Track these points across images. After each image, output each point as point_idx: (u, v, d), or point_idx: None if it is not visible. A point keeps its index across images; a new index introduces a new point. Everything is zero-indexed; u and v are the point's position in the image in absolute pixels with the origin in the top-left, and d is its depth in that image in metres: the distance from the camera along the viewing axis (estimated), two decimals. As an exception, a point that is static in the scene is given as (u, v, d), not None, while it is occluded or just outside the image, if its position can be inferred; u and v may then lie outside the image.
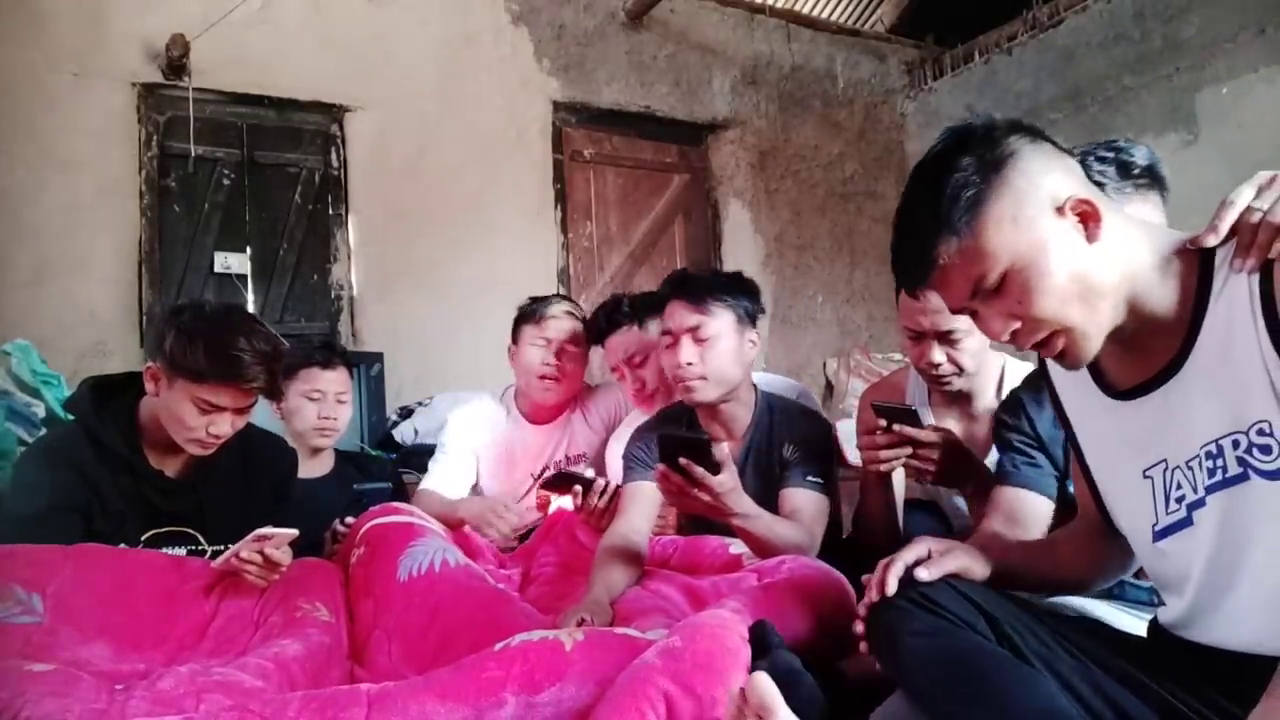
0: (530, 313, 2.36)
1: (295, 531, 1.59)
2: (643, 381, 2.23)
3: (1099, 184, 1.25)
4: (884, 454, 1.64)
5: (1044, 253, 0.95)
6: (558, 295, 2.43)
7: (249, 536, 1.54)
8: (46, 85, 3.38)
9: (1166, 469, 1.01)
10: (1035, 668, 1.01)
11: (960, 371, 1.69)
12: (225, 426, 1.68)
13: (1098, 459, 1.14)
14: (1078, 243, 0.96)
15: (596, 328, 2.32)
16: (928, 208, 0.99)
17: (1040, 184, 0.97)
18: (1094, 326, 0.98)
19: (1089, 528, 1.21)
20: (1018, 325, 0.99)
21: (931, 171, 1.00)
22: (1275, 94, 3.81)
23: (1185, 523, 1.00)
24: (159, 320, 1.86)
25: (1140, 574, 1.35)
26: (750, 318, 1.89)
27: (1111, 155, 1.30)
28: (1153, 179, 1.32)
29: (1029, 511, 1.41)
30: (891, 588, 1.09)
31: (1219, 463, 0.95)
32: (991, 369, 1.78)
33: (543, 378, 2.29)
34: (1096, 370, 1.09)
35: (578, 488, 2.01)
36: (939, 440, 1.63)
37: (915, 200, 1.02)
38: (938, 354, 1.67)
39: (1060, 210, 0.96)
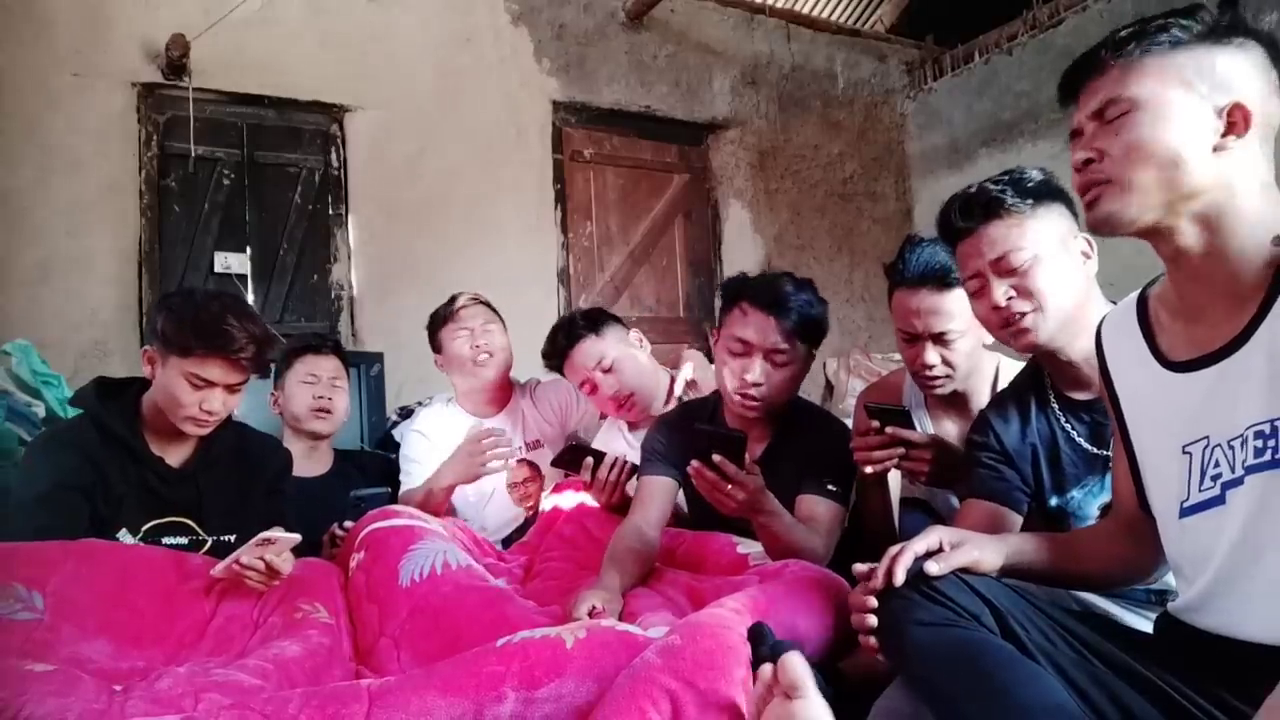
0: (441, 316, 2.48)
1: (297, 537, 1.60)
2: (617, 386, 2.23)
3: (998, 199, 1.37)
4: (877, 454, 1.65)
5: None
6: (457, 294, 2.54)
7: (251, 541, 1.55)
8: (47, 85, 3.38)
9: (1207, 446, 1.01)
10: (1039, 663, 1.01)
11: (953, 373, 1.69)
12: (217, 403, 1.73)
13: (1139, 430, 1.13)
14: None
15: (556, 348, 2.32)
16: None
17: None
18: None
19: (1122, 521, 1.21)
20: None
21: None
22: (1275, 94, 3.82)
23: (1217, 501, 0.99)
24: (152, 309, 1.93)
25: None
26: (819, 342, 1.85)
27: (1006, 177, 1.41)
28: (1051, 193, 1.40)
29: (994, 523, 1.40)
30: (899, 579, 1.09)
31: (1269, 443, 0.94)
32: (986, 370, 1.79)
33: (476, 360, 2.39)
34: (1153, 339, 1.10)
35: (589, 460, 2.02)
36: (930, 441, 1.64)
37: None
38: (932, 355, 1.67)
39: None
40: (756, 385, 1.77)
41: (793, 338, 1.78)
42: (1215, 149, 0.98)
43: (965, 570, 1.10)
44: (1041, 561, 1.20)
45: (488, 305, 2.52)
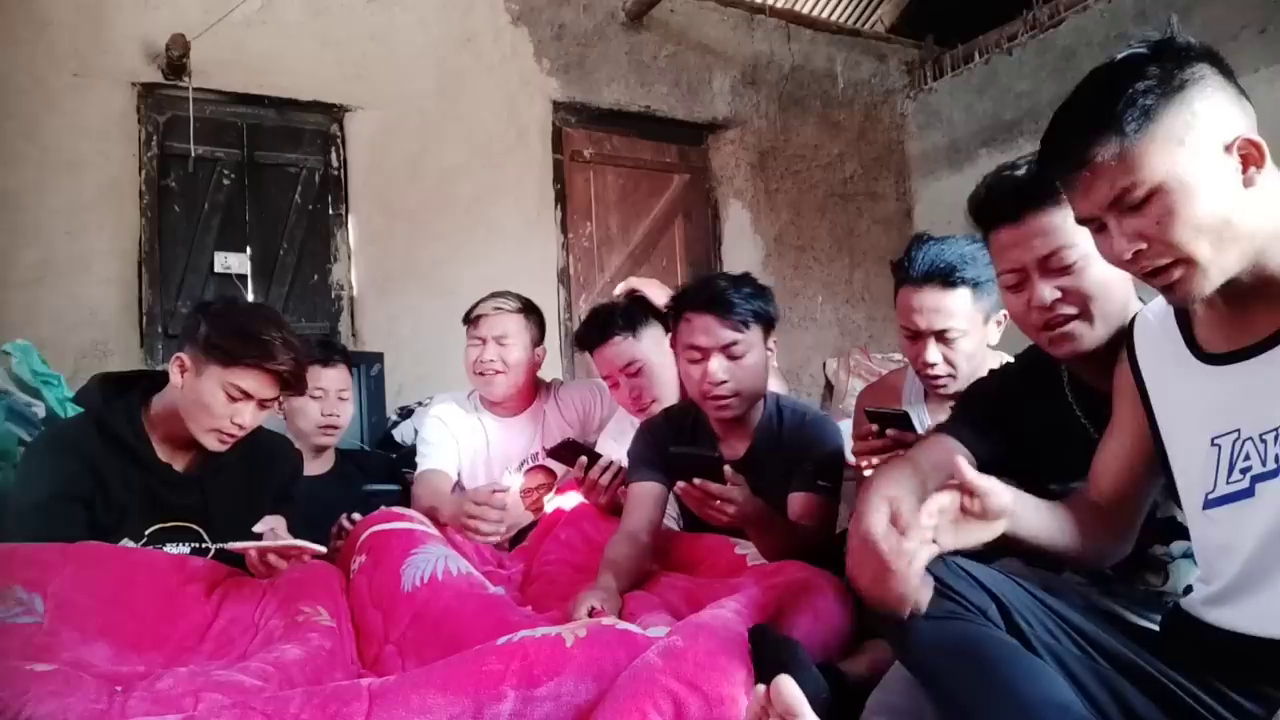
0: (469, 315, 2.42)
1: (324, 549, 1.63)
2: (640, 390, 2.23)
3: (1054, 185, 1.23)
4: (877, 458, 1.65)
5: (1200, 182, 0.95)
6: (494, 294, 2.45)
7: (285, 545, 1.57)
8: (47, 85, 3.38)
9: (1238, 439, 1.00)
10: (1043, 658, 1.01)
11: (955, 372, 1.70)
12: (247, 417, 1.72)
13: (1168, 421, 1.11)
14: (1233, 183, 0.96)
15: (588, 338, 2.32)
16: (1100, 103, 0.98)
17: (1217, 115, 0.96)
18: (1217, 268, 0.96)
19: (1087, 502, 1.19)
20: (1144, 246, 0.97)
21: (1114, 72, 0.99)
22: (1275, 94, 3.81)
23: (1245, 494, 0.98)
24: (189, 313, 1.92)
25: (1136, 580, 1.34)
26: (772, 326, 1.88)
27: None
28: None
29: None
30: (926, 523, 1.00)
31: None
32: (987, 369, 1.78)
33: (479, 373, 2.35)
34: (1189, 330, 1.08)
35: (583, 459, 2.03)
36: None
37: (1088, 94, 1.01)
38: (933, 353, 1.67)
39: (1228, 148, 0.96)
40: (723, 383, 1.80)
41: (740, 327, 1.80)
42: (1246, 185, 0.95)
43: (972, 555, 1.08)
44: (1036, 522, 1.12)
45: (520, 312, 2.40)
